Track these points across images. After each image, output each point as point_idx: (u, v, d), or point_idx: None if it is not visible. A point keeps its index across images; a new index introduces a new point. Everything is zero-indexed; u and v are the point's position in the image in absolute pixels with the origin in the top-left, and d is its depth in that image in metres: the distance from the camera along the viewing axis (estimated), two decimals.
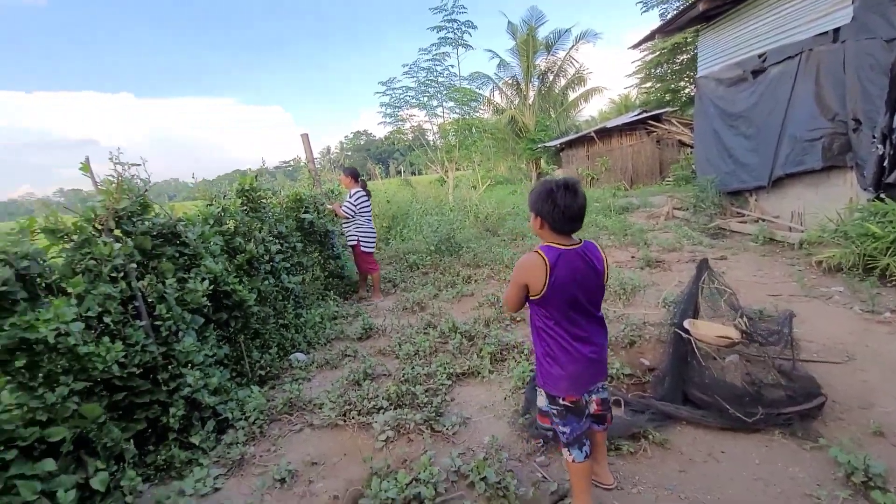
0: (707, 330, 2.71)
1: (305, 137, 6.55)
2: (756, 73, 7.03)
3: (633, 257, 6.03)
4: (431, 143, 15.08)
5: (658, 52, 18.61)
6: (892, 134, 4.88)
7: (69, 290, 2.07)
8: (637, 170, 16.37)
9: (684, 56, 18.20)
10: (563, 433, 1.81)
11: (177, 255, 2.83)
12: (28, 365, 1.90)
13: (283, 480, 2.24)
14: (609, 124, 17.87)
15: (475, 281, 5.60)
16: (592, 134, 17.23)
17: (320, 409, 2.85)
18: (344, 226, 5.51)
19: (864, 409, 2.48)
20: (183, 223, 2.91)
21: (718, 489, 2.01)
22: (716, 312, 3.17)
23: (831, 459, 2.06)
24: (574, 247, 1.70)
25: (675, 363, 2.66)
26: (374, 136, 72.14)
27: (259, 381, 3.33)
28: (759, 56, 6.90)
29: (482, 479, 2.01)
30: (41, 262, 2.04)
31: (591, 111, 32.40)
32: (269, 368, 3.45)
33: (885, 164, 4.98)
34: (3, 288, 1.82)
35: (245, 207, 4.14)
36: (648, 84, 21.69)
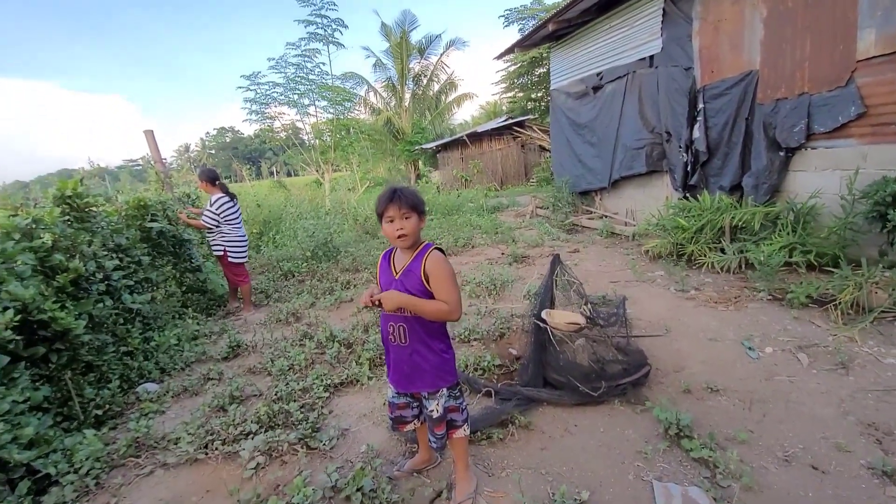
0: (560, 318, 3.04)
1: (150, 134, 5.75)
2: (596, 88, 8.11)
3: (502, 254, 6.50)
4: (306, 143, 14.32)
5: (519, 64, 20.34)
6: (692, 145, 6.04)
7: None
8: (506, 172, 17.75)
9: (541, 69, 20.16)
10: (464, 410, 1.98)
11: None
12: None
13: None
14: (479, 129, 19.00)
15: (354, 286, 5.50)
16: (465, 138, 18.16)
17: (176, 444, 2.53)
18: (208, 235, 4.96)
19: (677, 373, 3.03)
20: None
21: (573, 460, 2.28)
22: (569, 301, 3.58)
23: (655, 418, 2.47)
24: None
25: (535, 350, 2.94)
26: (241, 134, 66.12)
27: (96, 422, 2.84)
28: (598, 74, 7.97)
29: (358, 489, 1.99)
30: None
31: (464, 115, 34.20)
32: (108, 406, 2.95)
33: (689, 169, 6.15)
34: None
35: (67, 217, 3.49)
36: (511, 93, 23.53)
